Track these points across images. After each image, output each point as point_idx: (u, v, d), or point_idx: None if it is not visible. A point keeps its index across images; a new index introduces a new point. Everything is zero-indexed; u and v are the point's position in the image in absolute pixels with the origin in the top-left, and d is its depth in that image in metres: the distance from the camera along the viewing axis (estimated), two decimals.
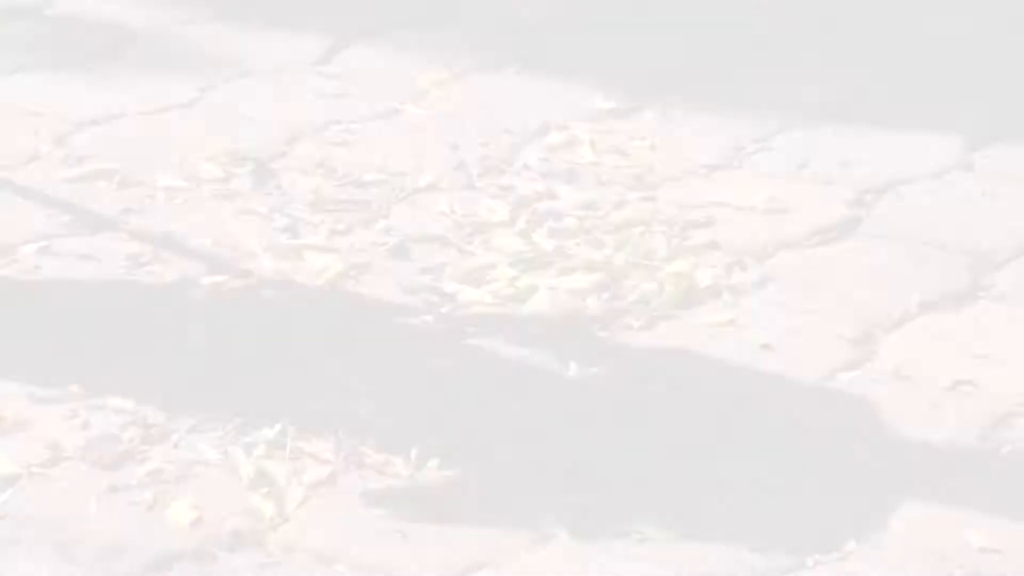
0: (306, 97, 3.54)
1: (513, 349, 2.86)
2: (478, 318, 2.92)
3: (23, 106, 3.48)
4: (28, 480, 2.54)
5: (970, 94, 3.57)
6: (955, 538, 2.50)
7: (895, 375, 2.83)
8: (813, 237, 3.16)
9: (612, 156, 3.37)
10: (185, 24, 3.77)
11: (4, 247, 3.05)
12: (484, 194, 3.24)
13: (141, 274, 3.01)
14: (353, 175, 3.29)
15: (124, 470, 2.57)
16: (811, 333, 2.92)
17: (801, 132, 3.47)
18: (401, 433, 2.66)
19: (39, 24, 3.79)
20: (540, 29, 3.82)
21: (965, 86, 3.62)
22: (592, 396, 2.76)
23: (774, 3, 3.95)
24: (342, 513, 2.52)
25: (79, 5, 3.85)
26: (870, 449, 2.67)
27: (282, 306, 2.94)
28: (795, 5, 3.93)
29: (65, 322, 2.90)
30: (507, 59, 3.66)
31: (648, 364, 2.83)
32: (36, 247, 3.05)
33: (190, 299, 2.96)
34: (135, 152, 3.35)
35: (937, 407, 2.75)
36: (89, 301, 2.94)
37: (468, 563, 2.43)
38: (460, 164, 3.33)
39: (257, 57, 3.67)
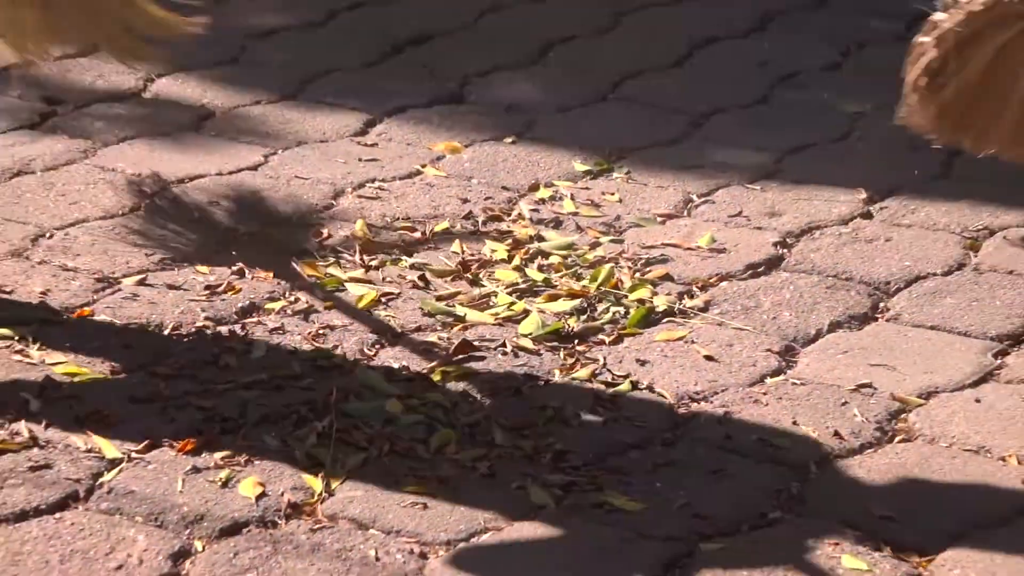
0: (347, 161, 3.54)
1: (510, 359, 2.86)
2: (483, 335, 2.92)
3: (125, 168, 3.49)
4: (128, 463, 2.54)
5: (870, 158, 3.58)
6: (859, 508, 2.50)
7: (811, 380, 2.83)
8: (747, 271, 3.16)
9: (588, 208, 3.36)
10: (252, 104, 3.77)
11: (110, 279, 3.06)
12: (488, 237, 3.24)
13: (217, 300, 3.01)
14: (385, 223, 3.28)
15: (204, 455, 2.57)
16: (745, 347, 2.92)
17: (736, 189, 3.48)
18: (423, 425, 2.66)
19: (138, 104, 3.80)
20: (530, 108, 3.82)
21: (866, 152, 3.63)
22: (573, 396, 2.75)
23: (711, 88, 3.96)
24: (376, 489, 2.52)
25: (169, 89, 3.86)
26: (791, 438, 2.67)
27: (330, 325, 2.94)
28: (727, 90, 3.94)
29: (157, 338, 2.90)
30: (505, 132, 3.66)
31: (617, 371, 2.83)
32: (135, 279, 3.06)
33: (257, 319, 2.96)
34: (214, 202, 3.35)
35: (844, 405, 2.76)
36: (176, 322, 2.94)
37: (476, 528, 2.44)
38: (468, 214, 3.33)
39: (309, 130, 3.68)
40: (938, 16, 2.89)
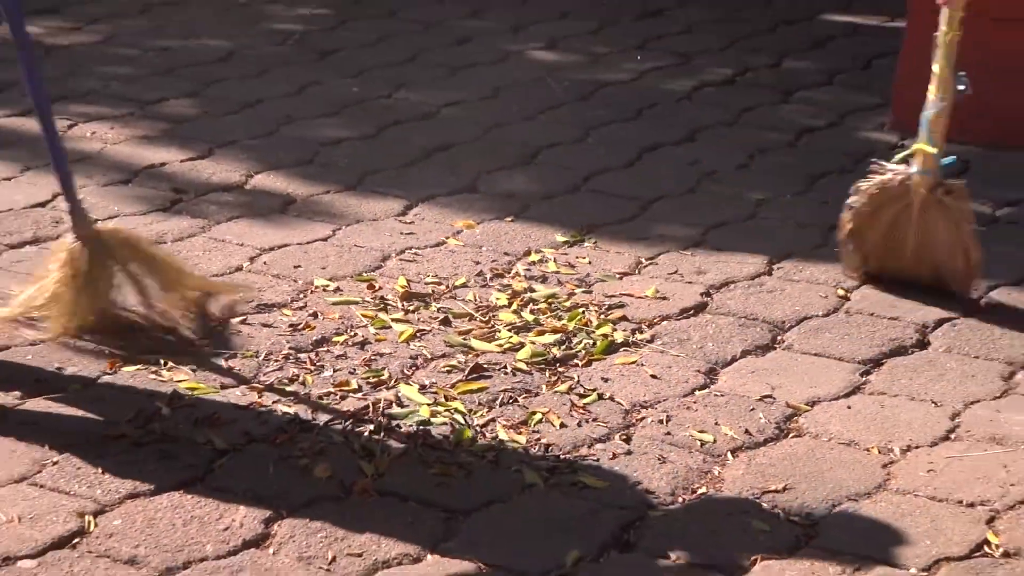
0: (392, 235, 3.54)
1: (510, 377, 2.86)
2: (490, 360, 2.92)
3: (232, 240, 3.49)
4: (233, 453, 2.55)
5: (770, 233, 3.59)
6: (763, 485, 2.50)
7: (728, 392, 2.83)
8: (681, 313, 3.15)
9: (566, 268, 3.36)
10: (324, 193, 3.78)
11: (220, 320, 3.06)
12: (493, 289, 3.24)
13: (298, 335, 3.00)
14: (419, 279, 3.29)
15: (289, 447, 2.58)
16: (680, 368, 2.91)
17: (674, 254, 3.48)
18: (446, 426, 2.66)
19: (241, 194, 3.81)
20: (525, 196, 3.81)
21: (768, 229, 3.63)
22: (555, 404, 2.76)
23: (655, 182, 3.95)
24: (413, 471, 2.52)
25: (263, 182, 3.88)
26: (714, 434, 2.67)
27: (379, 353, 2.94)
28: (667, 183, 3.93)
29: (253, 362, 2.90)
30: (506, 213, 3.66)
31: (587, 385, 2.83)
32: (239, 320, 3.06)
33: (326, 349, 2.96)
34: (296, 265, 3.35)
35: (752, 411, 2.75)
36: (268, 350, 2.94)
37: (486, 499, 2.44)
38: (479, 272, 3.33)
39: (364, 212, 3.68)
40: (851, 199, 3.24)
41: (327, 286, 3.24)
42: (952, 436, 2.69)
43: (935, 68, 3.07)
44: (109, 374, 2.83)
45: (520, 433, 2.65)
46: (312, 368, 2.88)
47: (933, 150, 3.08)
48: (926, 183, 3.10)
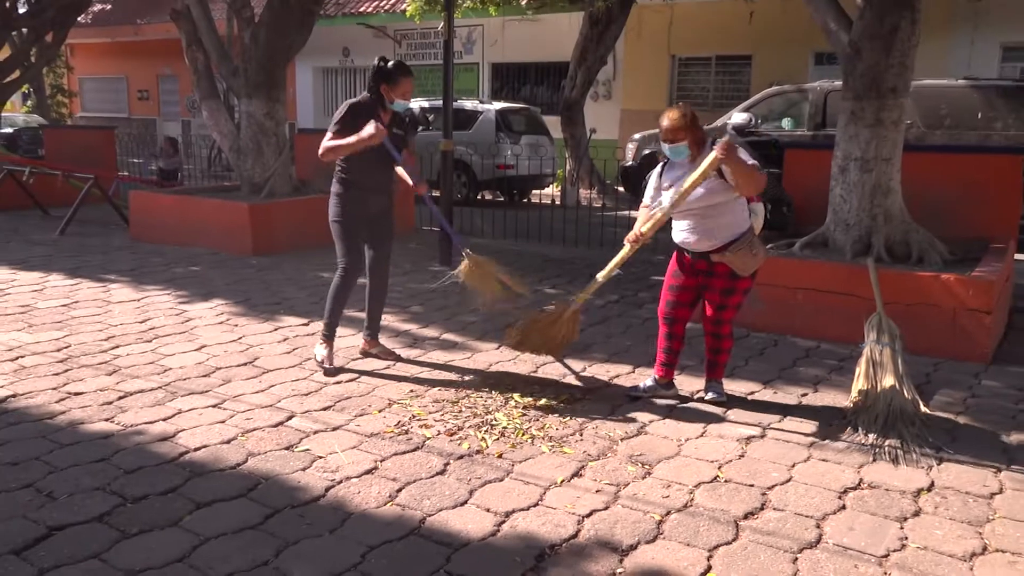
0: (505, 355, 3.18)
1: (537, 412, 2.69)
2: (530, 406, 2.72)
3: (429, 361, 3.15)
4: (434, 438, 2.44)
5: (635, 356, 3.17)
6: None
7: (634, 408, 2.67)
8: (606, 386, 2.87)
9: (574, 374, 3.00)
10: (466, 339, 3.31)
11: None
12: (535, 384, 2.92)
13: (460, 399, 2.80)
14: (524, 376, 2.99)
15: (454, 436, 2.48)
16: (610, 403, 2.74)
17: (597, 365, 3.09)
18: (515, 429, 2.54)
19: (435, 340, 3.37)
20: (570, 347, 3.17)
21: (635, 354, 3.22)
22: (555, 420, 2.63)
23: (597, 337, 3.37)
24: (500, 446, 2.43)
25: (449, 340, 3.37)
26: (630, 422, 2.58)
27: (487, 406, 2.75)
28: (595, 338, 3.38)
29: (445, 403, 2.71)
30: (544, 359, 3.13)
31: (570, 413, 2.68)
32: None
33: (467, 399, 2.78)
34: (454, 374, 3.04)
35: (639, 411, 2.66)
36: (449, 399, 2.77)
37: (527, 456, 2.36)
38: (532, 383, 2.93)
39: (479, 344, 3.27)
40: (516, 323, 2.96)
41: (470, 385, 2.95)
42: (704, 434, 2.59)
43: (598, 277, 2.83)
44: (387, 408, 2.66)
45: (540, 431, 2.58)
46: (462, 410, 2.72)
47: (587, 296, 2.89)
48: (573, 309, 2.91)
